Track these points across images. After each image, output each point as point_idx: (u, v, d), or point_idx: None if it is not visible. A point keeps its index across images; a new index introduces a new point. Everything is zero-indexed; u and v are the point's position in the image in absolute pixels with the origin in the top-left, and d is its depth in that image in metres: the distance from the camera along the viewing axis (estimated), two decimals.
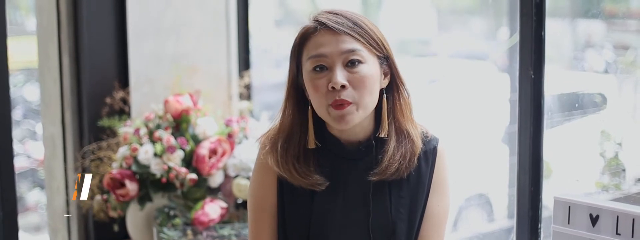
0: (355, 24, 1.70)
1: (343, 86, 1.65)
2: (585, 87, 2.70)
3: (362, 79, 1.67)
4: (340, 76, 1.65)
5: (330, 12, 1.72)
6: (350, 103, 1.66)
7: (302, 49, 1.72)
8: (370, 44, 1.70)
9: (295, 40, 1.74)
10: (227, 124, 2.84)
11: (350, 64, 1.67)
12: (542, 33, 2.07)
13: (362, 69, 1.67)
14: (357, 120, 1.68)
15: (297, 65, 1.75)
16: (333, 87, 1.65)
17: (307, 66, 1.70)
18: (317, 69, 1.68)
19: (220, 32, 3.15)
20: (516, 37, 2.11)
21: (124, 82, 2.96)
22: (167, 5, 3.01)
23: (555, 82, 2.22)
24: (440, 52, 4.64)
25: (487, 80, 4.02)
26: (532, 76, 2.07)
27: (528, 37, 2.07)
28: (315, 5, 5.10)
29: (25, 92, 6.05)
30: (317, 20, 1.71)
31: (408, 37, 4.68)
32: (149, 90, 2.97)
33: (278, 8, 5.08)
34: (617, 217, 1.69)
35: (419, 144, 1.74)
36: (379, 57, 1.72)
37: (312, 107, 1.73)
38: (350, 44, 1.68)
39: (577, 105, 2.42)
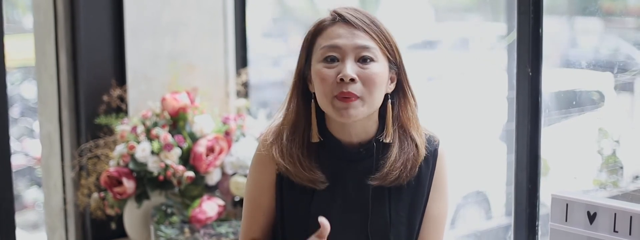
0: (372, 22, 1.68)
1: (352, 80, 1.63)
2: (582, 84, 2.70)
3: (372, 76, 1.64)
4: (351, 69, 1.63)
5: (349, 8, 1.70)
6: (358, 97, 1.63)
7: (315, 39, 1.70)
8: (384, 46, 1.68)
9: (310, 29, 1.71)
10: (225, 121, 2.84)
11: (362, 60, 1.65)
12: (540, 30, 2.07)
13: (373, 66, 1.65)
14: (359, 116, 1.65)
15: (307, 54, 1.72)
16: (342, 80, 1.62)
17: (317, 55, 1.68)
18: (328, 59, 1.66)
19: (218, 29, 3.14)
20: (514, 35, 2.11)
21: (121, 80, 2.96)
22: (165, 2, 3.00)
23: (553, 79, 2.23)
24: (439, 50, 4.64)
25: (484, 78, 4.02)
26: (530, 74, 2.07)
27: (526, 35, 2.07)
28: (314, 3, 5.09)
29: (23, 90, 6.04)
30: (335, 13, 1.69)
31: (406, 35, 4.67)
32: (146, 88, 2.97)
33: (276, 6, 5.07)
34: (615, 214, 1.69)
35: (422, 153, 1.71)
36: (389, 61, 1.70)
37: (315, 101, 1.70)
38: (365, 40, 1.66)
39: (574, 102, 2.42)
